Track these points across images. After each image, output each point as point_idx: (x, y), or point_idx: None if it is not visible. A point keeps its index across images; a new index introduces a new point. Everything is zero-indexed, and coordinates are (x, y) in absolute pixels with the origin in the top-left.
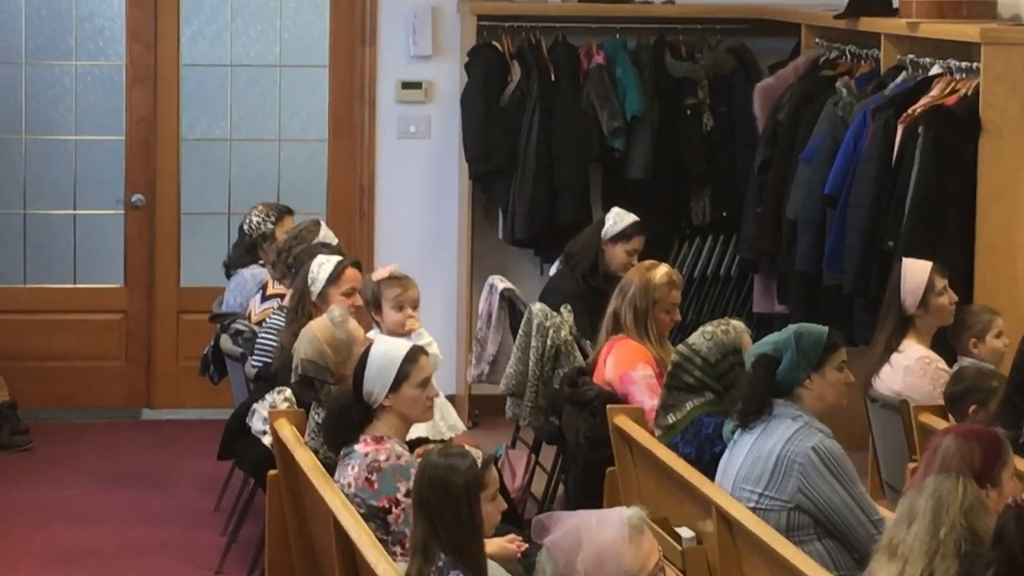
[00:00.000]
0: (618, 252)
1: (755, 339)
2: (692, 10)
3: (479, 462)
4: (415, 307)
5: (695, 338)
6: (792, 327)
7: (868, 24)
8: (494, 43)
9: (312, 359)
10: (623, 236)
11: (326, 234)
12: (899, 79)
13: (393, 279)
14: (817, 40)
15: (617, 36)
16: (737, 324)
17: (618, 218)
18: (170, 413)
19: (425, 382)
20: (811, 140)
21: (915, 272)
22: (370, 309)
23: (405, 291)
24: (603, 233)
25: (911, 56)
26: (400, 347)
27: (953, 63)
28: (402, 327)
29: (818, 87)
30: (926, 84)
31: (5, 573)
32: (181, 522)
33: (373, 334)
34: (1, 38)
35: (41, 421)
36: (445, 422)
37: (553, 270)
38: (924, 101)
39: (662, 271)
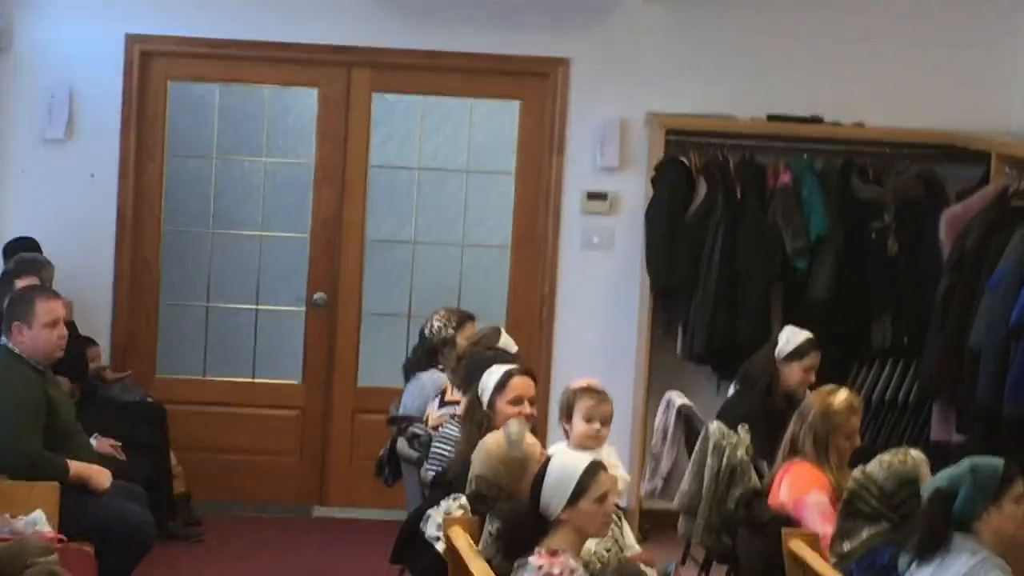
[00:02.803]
0: (794, 370)
1: (933, 469)
2: (881, 133)
3: None
4: (604, 423)
5: (872, 466)
6: (967, 460)
7: None
8: (681, 158)
9: (486, 476)
10: (798, 354)
11: (506, 341)
12: None
13: (589, 390)
14: (1007, 169)
15: (805, 156)
16: (916, 454)
17: (792, 336)
18: (342, 511)
19: (603, 497)
20: (997, 269)
21: None
22: (561, 417)
23: (598, 404)
24: (777, 353)
25: None
26: (579, 461)
27: None
28: (588, 440)
29: (1006, 216)
30: None
31: None
32: None
33: (560, 444)
34: (194, 132)
35: (213, 513)
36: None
37: (731, 391)
38: None
39: (842, 397)
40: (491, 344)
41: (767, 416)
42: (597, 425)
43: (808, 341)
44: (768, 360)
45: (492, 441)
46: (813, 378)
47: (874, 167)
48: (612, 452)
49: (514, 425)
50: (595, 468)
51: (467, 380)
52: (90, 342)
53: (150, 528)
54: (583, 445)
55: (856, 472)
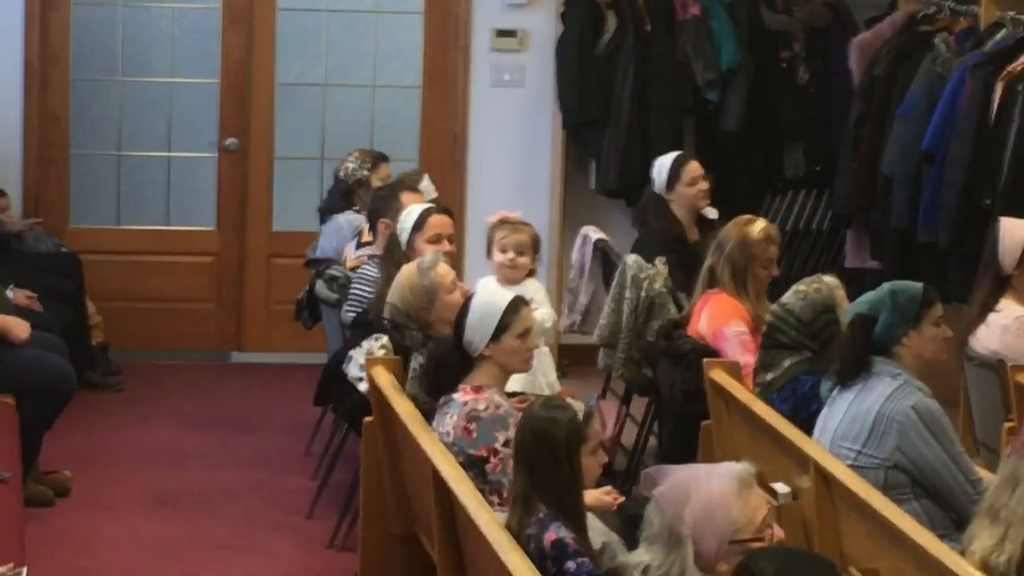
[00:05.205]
0: (681, 192)
1: (848, 295)
2: None
3: (580, 415)
4: (520, 252)
5: (788, 297)
6: (887, 285)
7: None
8: None
9: (395, 304)
10: (676, 176)
11: (427, 185)
12: (998, 36)
13: (504, 222)
14: None
15: None
16: (830, 280)
17: (660, 167)
18: (260, 356)
19: (526, 333)
20: (908, 96)
21: (1013, 231)
22: (487, 253)
23: (510, 234)
24: (658, 189)
25: (1011, 13)
26: (502, 297)
27: None
28: (506, 270)
29: (915, 43)
30: None
31: (97, 514)
32: (271, 466)
33: (488, 280)
34: None
35: (131, 362)
36: (545, 378)
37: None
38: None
39: (759, 226)
40: (413, 184)
41: (680, 248)
42: (511, 254)
43: (675, 160)
44: (654, 201)
45: (404, 271)
46: (704, 184)
47: None
48: (540, 289)
49: (428, 255)
50: (517, 304)
51: (370, 217)
52: None
53: (71, 378)
54: (505, 277)
55: (774, 305)
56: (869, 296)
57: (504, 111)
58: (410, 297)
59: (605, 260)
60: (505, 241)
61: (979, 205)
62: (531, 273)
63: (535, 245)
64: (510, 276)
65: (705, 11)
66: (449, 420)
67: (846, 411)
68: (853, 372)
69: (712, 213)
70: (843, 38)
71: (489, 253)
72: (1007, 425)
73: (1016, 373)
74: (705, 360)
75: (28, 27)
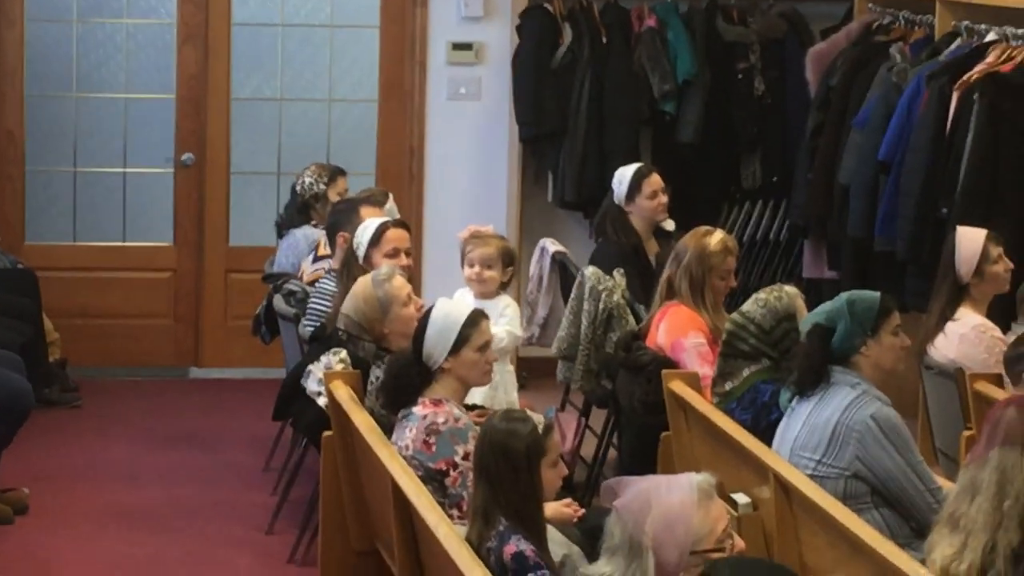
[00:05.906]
0: (641, 204)
1: (805, 305)
2: None
3: (540, 428)
4: (484, 265)
5: (748, 306)
6: (844, 295)
7: None
8: (545, 5)
9: (349, 315)
10: (637, 188)
11: (391, 207)
12: (954, 45)
13: (473, 237)
14: (870, 5)
15: None
16: (790, 289)
17: (621, 178)
18: (218, 372)
19: (485, 346)
20: (864, 106)
21: (969, 240)
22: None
23: (474, 248)
24: (617, 200)
25: (966, 22)
26: (461, 310)
27: (1009, 30)
28: (472, 284)
29: (871, 53)
30: (981, 51)
31: (56, 531)
32: (231, 482)
33: (463, 291)
34: None
35: (89, 378)
36: (506, 395)
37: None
38: (979, 68)
39: (717, 238)
40: (378, 202)
41: (638, 259)
42: (477, 268)
43: (636, 172)
44: (613, 212)
45: (359, 282)
46: (664, 198)
47: (738, 8)
48: (512, 304)
49: (384, 267)
50: (476, 317)
51: (329, 231)
52: None
53: (28, 395)
54: (477, 291)
55: (734, 314)
56: (827, 306)
57: (461, 124)
58: (364, 308)
59: (563, 272)
60: (471, 255)
61: (936, 214)
62: (504, 286)
63: (504, 258)
64: (480, 290)
65: (661, 23)
66: (408, 434)
67: (805, 421)
68: (812, 382)
69: (669, 225)
70: (799, 49)
71: (464, 267)
72: (966, 433)
73: (974, 382)
74: (664, 372)
75: None
